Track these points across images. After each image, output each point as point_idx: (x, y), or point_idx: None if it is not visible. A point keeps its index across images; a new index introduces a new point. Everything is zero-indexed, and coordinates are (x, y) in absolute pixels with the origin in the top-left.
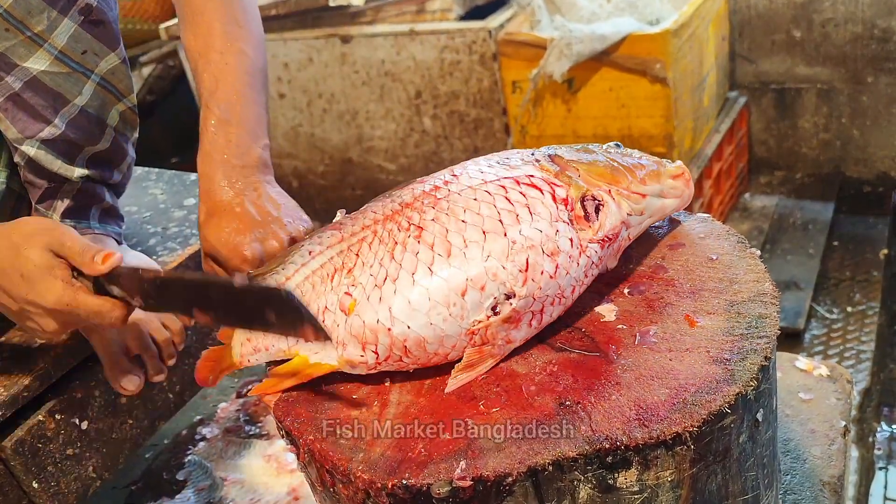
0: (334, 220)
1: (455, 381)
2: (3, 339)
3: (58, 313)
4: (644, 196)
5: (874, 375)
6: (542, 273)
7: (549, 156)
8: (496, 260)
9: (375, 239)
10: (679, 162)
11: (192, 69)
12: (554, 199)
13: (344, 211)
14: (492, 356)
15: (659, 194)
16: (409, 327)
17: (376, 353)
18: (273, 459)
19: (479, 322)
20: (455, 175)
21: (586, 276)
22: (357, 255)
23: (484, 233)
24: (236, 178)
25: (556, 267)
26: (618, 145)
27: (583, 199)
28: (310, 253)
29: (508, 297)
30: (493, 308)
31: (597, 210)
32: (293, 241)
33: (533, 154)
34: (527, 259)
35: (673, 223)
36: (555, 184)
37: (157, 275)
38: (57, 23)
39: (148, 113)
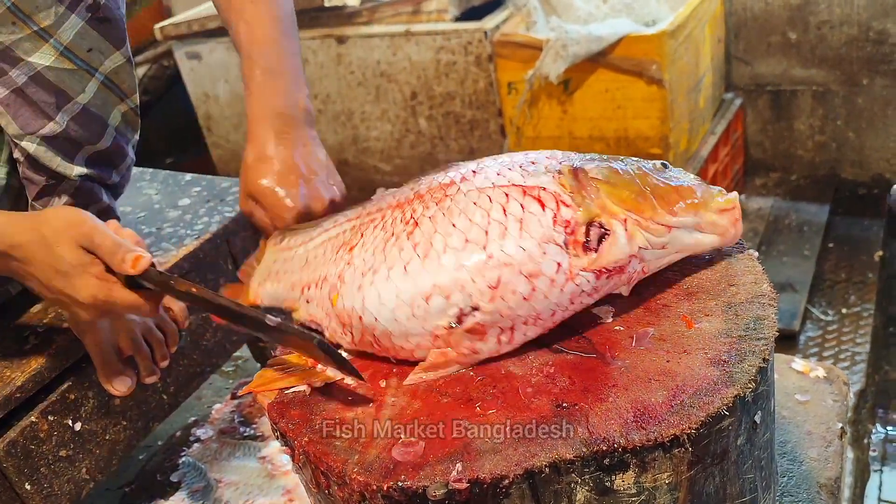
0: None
1: (414, 377)
2: None
3: (92, 307)
4: (670, 228)
5: (869, 377)
6: (513, 293)
7: (574, 169)
8: (468, 272)
9: (381, 223)
10: (733, 194)
11: (226, 23)
12: (555, 218)
13: (383, 189)
14: (457, 362)
15: (694, 227)
16: (376, 319)
17: (352, 334)
18: (268, 461)
19: (441, 328)
20: (475, 171)
21: (572, 303)
22: (361, 234)
23: (466, 241)
24: (287, 129)
25: (533, 290)
26: (665, 165)
27: (589, 225)
28: (335, 222)
29: (475, 309)
30: (459, 317)
31: (602, 239)
32: (331, 204)
33: (561, 162)
34: (499, 277)
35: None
36: (563, 202)
37: (189, 289)
38: (64, 18)
39: (142, 113)
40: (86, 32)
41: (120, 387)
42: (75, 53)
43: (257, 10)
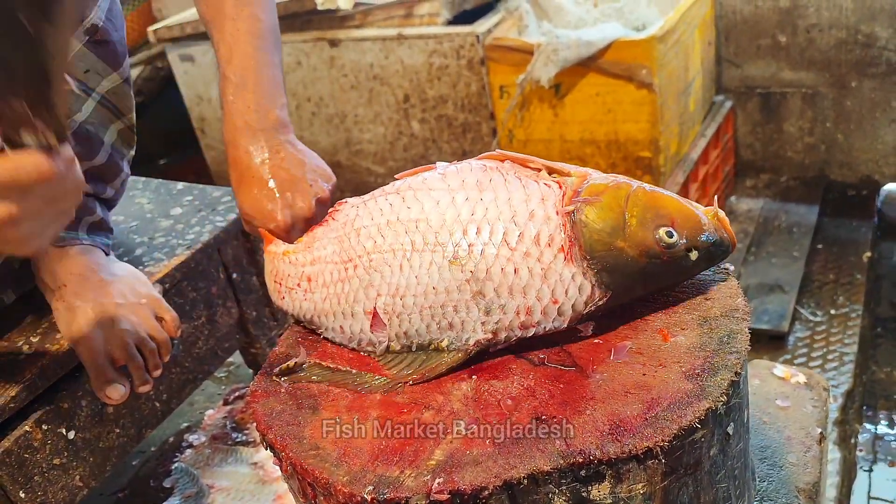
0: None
1: None
2: None
3: None
4: None
5: (857, 377)
6: None
7: None
8: None
9: None
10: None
11: (210, 37)
12: None
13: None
14: None
15: None
16: None
17: None
18: (259, 467)
19: None
20: None
21: None
22: None
23: None
24: (259, 143)
25: None
26: None
27: None
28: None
29: None
30: None
31: None
32: (319, 202)
33: None
34: None
35: None
36: None
37: None
38: None
39: (136, 115)
40: (83, 55)
41: (113, 394)
42: (73, 75)
43: (236, 28)
